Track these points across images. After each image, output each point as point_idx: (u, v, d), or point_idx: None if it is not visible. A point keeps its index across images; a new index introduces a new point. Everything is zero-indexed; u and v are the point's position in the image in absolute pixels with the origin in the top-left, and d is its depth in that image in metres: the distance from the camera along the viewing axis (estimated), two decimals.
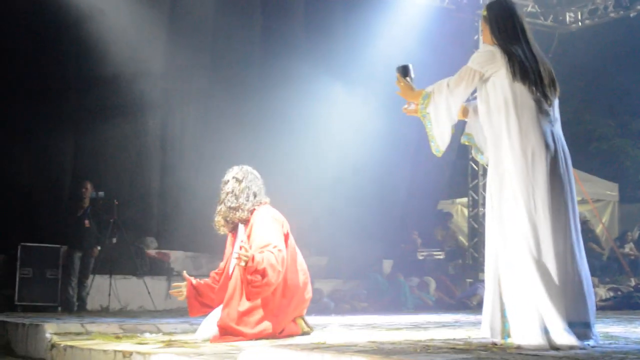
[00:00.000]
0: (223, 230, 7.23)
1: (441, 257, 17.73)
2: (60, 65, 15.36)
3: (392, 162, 17.78)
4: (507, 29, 5.52)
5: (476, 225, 19.74)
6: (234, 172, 7.17)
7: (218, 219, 7.17)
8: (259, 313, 6.73)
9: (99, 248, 14.14)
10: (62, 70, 15.43)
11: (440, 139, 5.65)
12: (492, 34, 5.57)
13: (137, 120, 16.23)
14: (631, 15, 19.75)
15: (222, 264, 7.35)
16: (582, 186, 18.87)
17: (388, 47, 17.43)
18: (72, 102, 15.65)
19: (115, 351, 5.95)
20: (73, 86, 15.63)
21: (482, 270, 16.69)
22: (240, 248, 6.53)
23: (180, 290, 7.30)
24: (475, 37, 20.66)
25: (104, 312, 13.40)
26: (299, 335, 6.99)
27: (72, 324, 8.21)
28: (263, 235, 6.82)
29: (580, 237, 5.26)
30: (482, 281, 15.26)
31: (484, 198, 19.96)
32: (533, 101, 5.29)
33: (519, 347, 4.98)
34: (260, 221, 6.95)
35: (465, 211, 21.04)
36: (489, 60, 5.43)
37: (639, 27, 21.63)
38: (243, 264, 6.45)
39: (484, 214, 19.78)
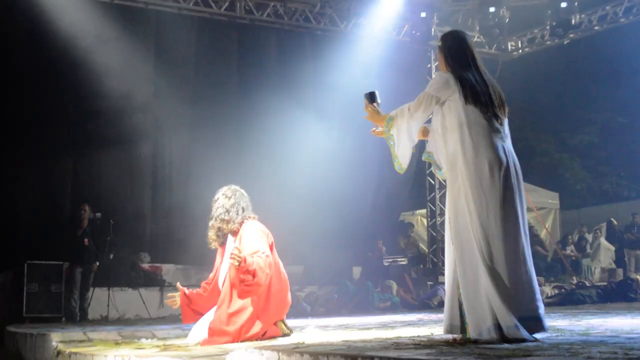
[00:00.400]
0: (214, 245, 7.28)
1: (404, 262, 17.75)
2: (61, 99, 15.37)
3: (358, 178, 17.80)
4: (459, 58, 5.53)
5: (434, 234, 19.86)
6: (223, 190, 7.29)
7: (211, 234, 7.21)
8: (246, 315, 6.75)
9: (97, 263, 14.14)
10: (63, 104, 15.45)
11: (402, 158, 5.69)
12: (446, 62, 5.58)
13: (129, 148, 16.23)
14: (565, 42, 19.89)
15: (211, 275, 7.36)
16: (527, 196, 18.95)
17: (351, 77, 17.53)
18: (71, 132, 15.70)
19: (115, 356, 5.91)
20: (72, 118, 15.66)
21: (442, 274, 16.74)
22: (234, 249, 6.64)
23: (175, 299, 7.31)
24: (428, 66, 20.81)
25: (104, 321, 13.32)
26: (280, 336, 6.99)
27: (75, 333, 8.17)
28: (252, 243, 6.91)
29: (529, 242, 5.27)
30: (442, 283, 15.30)
31: (441, 209, 20.29)
32: (485, 120, 5.30)
33: (475, 342, 4.98)
34: (248, 232, 7.04)
35: (425, 221, 21.14)
36: (444, 86, 5.43)
37: (572, 53, 21.83)
38: (237, 263, 6.57)
39: (441, 223, 20.06)
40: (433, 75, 20.68)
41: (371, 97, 5.86)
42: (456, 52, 5.57)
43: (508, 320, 4.94)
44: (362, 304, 15.13)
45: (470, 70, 5.47)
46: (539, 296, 5.18)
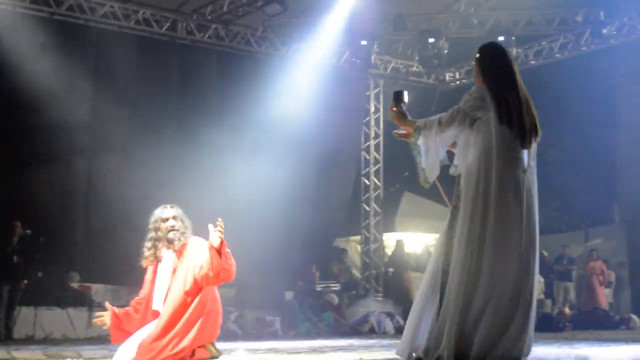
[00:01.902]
0: (148, 263, 7.16)
1: (337, 288, 17.72)
2: None
3: (295, 203, 17.81)
4: (498, 73, 5.28)
5: (368, 260, 19.89)
6: (173, 210, 7.15)
7: (150, 252, 7.10)
8: (177, 335, 6.66)
9: (25, 281, 13.85)
10: None
11: (429, 172, 5.38)
12: (483, 76, 5.33)
13: (63, 166, 16.08)
14: None
15: (142, 293, 7.23)
16: None
17: (290, 102, 17.59)
18: (3, 149, 15.35)
19: None
20: (5, 134, 15.33)
21: (375, 301, 16.74)
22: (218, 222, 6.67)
23: (103, 319, 7.15)
24: (367, 93, 20.93)
25: (30, 340, 13.04)
26: (208, 359, 6.89)
27: None
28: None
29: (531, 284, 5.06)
30: (373, 311, 15.33)
31: (374, 236, 20.31)
32: (511, 148, 5.09)
33: None
34: (198, 243, 7.00)
35: (359, 247, 21.13)
36: (479, 104, 5.18)
37: None
38: (221, 235, 6.65)
39: (374, 250, 20.08)
40: (372, 103, 20.83)
41: (398, 96, 5.55)
42: (495, 67, 5.33)
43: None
44: (295, 328, 15.06)
45: (507, 86, 5.22)
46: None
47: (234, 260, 6.82)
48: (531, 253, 5.03)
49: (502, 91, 5.16)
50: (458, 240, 5.13)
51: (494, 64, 5.32)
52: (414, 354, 5.14)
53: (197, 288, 6.86)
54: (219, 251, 6.73)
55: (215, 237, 6.71)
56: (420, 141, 5.31)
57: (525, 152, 5.12)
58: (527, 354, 4.94)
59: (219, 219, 6.76)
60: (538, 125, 5.20)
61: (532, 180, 5.15)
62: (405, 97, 5.53)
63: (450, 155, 5.48)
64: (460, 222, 5.15)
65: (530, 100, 5.23)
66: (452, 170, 5.49)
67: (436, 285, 5.17)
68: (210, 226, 6.83)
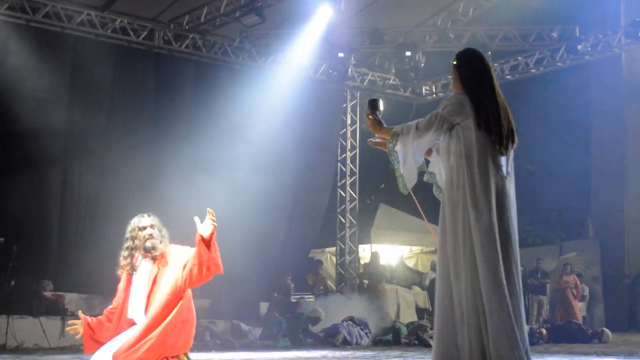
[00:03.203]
0: (124, 271, 7.12)
1: (312, 299, 17.70)
2: None
3: (270, 214, 17.79)
4: (476, 79, 5.25)
5: (343, 271, 19.93)
6: (150, 219, 7.13)
7: (127, 262, 7.07)
8: (149, 349, 6.63)
9: None
10: None
11: (407, 179, 5.31)
12: (462, 82, 5.27)
13: (38, 173, 16.00)
14: None
15: (115, 302, 7.19)
16: (435, 237, 19.11)
17: (267, 113, 17.63)
18: None
19: None
20: None
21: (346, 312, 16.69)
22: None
23: (76, 327, 7.10)
24: (344, 105, 21.00)
25: (2, 349, 12.90)
26: None
27: None
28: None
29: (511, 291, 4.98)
30: (345, 321, 15.29)
31: (350, 247, 20.35)
32: (492, 152, 5.06)
33: None
34: (177, 250, 6.99)
35: (334, 259, 21.17)
36: (458, 109, 5.14)
37: None
38: (214, 224, 6.62)
39: (350, 262, 20.11)
40: (348, 115, 20.89)
41: (373, 104, 5.49)
42: (473, 73, 5.29)
43: None
44: (270, 338, 15.04)
45: (486, 92, 5.20)
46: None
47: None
48: (511, 260, 5.01)
49: (480, 97, 5.15)
50: (442, 250, 5.15)
51: (472, 70, 5.30)
52: None
53: (177, 297, 6.83)
54: (208, 242, 6.71)
55: (205, 227, 6.69)
56: (398, 147, 5.26)
57: (503, 159, 5.12)
58: None
59: (208, 209, 6.75)
60: (515, 132, 5.21)
61: (511, 186, 5.15)
62: (381, 105, 5.50)
63: (426, 162, 5.46)
64: (445, 229, 5.14)
65: (507, 107, 5.25)
66: (426, 177, 5.50)
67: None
68: (196, 218, 6.81)
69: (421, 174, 5.48)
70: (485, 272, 4.87)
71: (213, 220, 6.69)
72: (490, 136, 5.06)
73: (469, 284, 4.92)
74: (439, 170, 5.39)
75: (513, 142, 5.19)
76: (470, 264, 4.94)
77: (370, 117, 5.45)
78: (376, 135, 5.45)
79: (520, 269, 5.10)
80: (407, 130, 5.23)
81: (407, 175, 5.29)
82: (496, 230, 4.94)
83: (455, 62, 5.38)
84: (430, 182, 5.53)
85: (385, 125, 5.40)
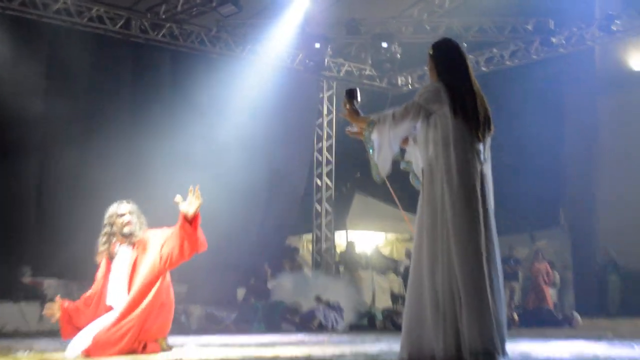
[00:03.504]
0: (103, 257, 7.20)
1: (289, 286, 17.80)
2: None
3: (247, 201, 17.81)
4: (451, 68, 5.29)
5: (319, 258, 20.05)
6: (129, 206, 7.23)
7: (104, 247, 7.15)
8: (129, 330, 6.72)
9: None
10: None
11: (382, 167, 5.32)
12: (437, 71, 5.33)
13: (16, 161, 15.93)
14: None
15: (94, 289, 7.26)
16: (409, 225, 19.24)
17: (243, 102, 17.69)
18: None
19: None
20: None
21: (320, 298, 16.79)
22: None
23: (53, 311, 7.16)
24: (321, 95, 21.09)
25: None
26: (159, 352, 6.95)
27: None
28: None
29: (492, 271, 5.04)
30: (317, 307, 15.36)
31: (326, 235, 20.47)
32: (468, 140, 5.07)
33: None
34: (155, 234, 7.19)
35: (310, 245, 21.29)
36: (434, 98, 5.15)
37: None
38: (195, 206, 6.83)
39: (326, 249, 20.23)
40: (325, 105, 20.98)
41: (350, 94, 5.51)
42: (449, 62, 5.34)
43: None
44: (248, 323, 15.13)
45: (461, 80, 5.23)
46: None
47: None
48: (490, 244, 5.04)
49: (456, 85, 5.18)
50: (420, 237, 5.14)
51: (448, 59, 5.35)
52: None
53: (155, 278, 6.93)
54: (192, 220, 6.80)
55: (189, 206, 6.78)
56: (374, 135, 5.27)
57: (481, 145, 5.15)
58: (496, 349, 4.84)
59: (191, 187, 6.84)
60: (491, 118, 5.25)
61: (488, 172, 5.18)
62: (358, 95, 5.51)
63: (402, 151, 5.48)
64: (424, 217, 5.14)
65: (483, 95, 5.27)
66: (402, 166, 5.51)
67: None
68: (179, 197, 6.89)
69: (395, 163, 5.47)
70: (463, 261, 4.88)
71: (198, 197, 6.77)
72: (467, 123, 5.08)
73: (445, 272, 4.91)
74: (416, 159, 5.39)
75: (489, 129, 5.22)
76: (447, 252, 4.94)
77: (347, 106, 5.47)
78: (353, 124, 5.48)
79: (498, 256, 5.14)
80: (384, 119, 5.23)
81: (381, 163, 5.30)
82: (476, 216, 4.96)
83: (431, 52, 5.45)
84: (406, 171, 5.53)
85: (362, 115, 5.42)
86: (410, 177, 5.54)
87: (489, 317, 4.81)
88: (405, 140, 5.42)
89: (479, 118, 5.13)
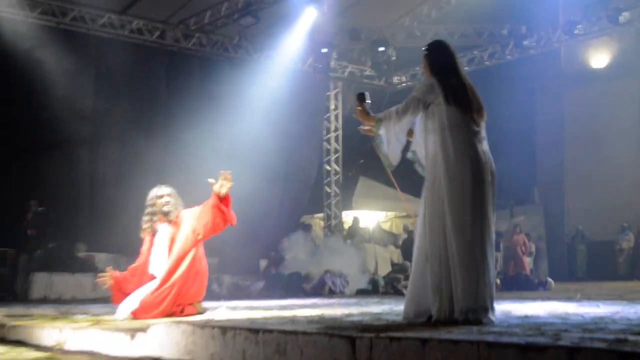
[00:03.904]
0: (146, 233, 7.23)
1: (304, 258, 17.81)
2: (9, 108, 15.06)
3: (267, 186, 17.84)
4: (442, 65, 5.17)
5: (330, 233, 20.04)
6: (168, 189, 7.25)
7: (148, 225, 7.18)
8: (168, 294, 6.75)
9: (39, 251, 13.86)
10: (12, 112, 15.12)
11: (392, 157, 5.21)
12: (431, 68, 5.20)
13: (70, 152, 16.11)
14: None
15: (139, 261, 7.29)
16: (406, 205, 19.23)
17: (260, 99, 17.71)
18: (18, 137, 15.31)
19: (52, 328, 5.81)
20: (20, 125, 15.29)
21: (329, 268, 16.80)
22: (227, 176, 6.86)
23: (105, 279, 7.20)
24: (328, 93, 21.08)
25: (44, 300, 13.02)
26: (195, 314, 6.97)
27: (18, 309, 8.01)
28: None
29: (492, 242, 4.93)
30: (326, 274, 15.35)
31: (335, 213, 20.50)
32: (464, 123, 4.93)
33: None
34: (189, 212, 7.12)
35: (322, 223, 21.32)
36: (429, 90, 5.03)
37: None
38: (227, 187, 6.81)
39: (335, 225, 20.25)
40: (332, 101, 20.96)
41: (361, 97, 5.37)
42: (440, 60, 5.22)
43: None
44: (271, 290, 15.17)
45: (452, 76, 5.11)
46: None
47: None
48: (488, 220, 4.91)
49: (446, 77, 5.09)
50: (423, 214, 5.04)
51: (439, 57, 5.25)
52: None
53: (190, 248, 6.95)
54: (224, 199, 6.84)
55: (221, 187, 6.81)
56: (382, 131, 5.18)
57: (476, 127, 5.03)
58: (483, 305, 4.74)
59: (222, 171, 6.87)
60: (483, 106, 5.13)
61: (487, 149, 5.05)
62: (367, 97, 5.39)
63: (407, 142, 5.36)
64: (428, 197, 5.03)
65: (474, 87, 5.17)
66: (409, 155, 5.41)
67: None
68: (211, 180, 6.91)
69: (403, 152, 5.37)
70: (460, 228, 4.78)
71: (229, 180, 6.81)
72: (460, 108, 4.97)
73: (443, 241, 4.83)
74: (420, 149, 5.28)
75: (482, 115, 5.10)
76: (443, 223, 4.84)
77: (358, 107, 5.37)
78: (365, 123, 5.35)
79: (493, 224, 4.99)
80: (389, 115, 5.14)
81: (391, 154, 5.21)
82: (469, 197, 4.83)
83: (425, 52, 5.34)
84: (412, 160, 5.41)
85: (372, 114, 5.29)
86: (416, 165, 5.43)
87: (482, 278, 4.74)
88: (410, 133, 5.32)
89: (471, 105, 5.03)
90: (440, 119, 4.97)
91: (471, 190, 4.84)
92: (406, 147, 5.37)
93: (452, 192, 4.85)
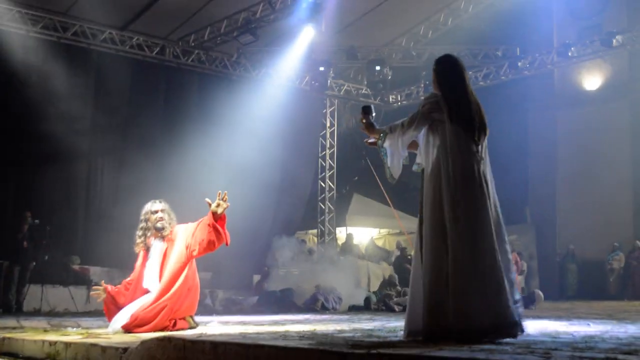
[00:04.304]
0: (139, 248, 7.19)
1: (296, 273, 17.73)
2: (7, 123, 15.01)
3: (261, 202, 17.78)
4: (450, 80, 5.12)
5: (323, 250, 19.94)
6: (161, 204, 7.21)
7: (141, 240, 7.13)
8: (162, 309, 6.70)
9: (34, 263, 13.77)
10: (10, 126, 15.06)
11: (394, 169, 5.20)
12: (438, 83, 5.16)
13: (67, 166, 16.03)
14: None
15: (132, 275, 7.25)
16: (400, 222, 19.20)
17: (257, 117, 17.70)
18: (15, 150, 15.22)
19: (43, 340, 5.74)
20: (18, 137, 15.20)
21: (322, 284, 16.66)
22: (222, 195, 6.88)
23: (99, 292, 7.16)
24: (324, 111, 21.06)
25: (37, 313, 12.92)
26: (187, 329, 6.92)
27: (10, 321, 7.93)
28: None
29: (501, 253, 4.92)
30: (318, 290, 15.26)
31: (328, 229, 20.43)
32: (465, 142, 4.91)
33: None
34: (184, 228, 7.10)
35: (315, 239, 21.24)
36: (434, 107, 5.02)
37: None
38: (223, 207, 6.82)
39: (329, 241, 20.16)
40: (328, 119, 20.96)
41: (366, 110, 5.36)
42: (448, 75, 5.17)
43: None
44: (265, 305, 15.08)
45: (458, 91, 5.08)
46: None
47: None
48: (500, 230, 4.92)
49: (452, 95, 5.06)
50: (425, 231, 4.96)
51: (448, 73, 5.20)
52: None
53: (184, 265, 6.91)
54: (220, 219, 6.82)
55: (218, 207, 6.81)
56: (386, 144, 5.17)
57: (476, 146, 4.99)
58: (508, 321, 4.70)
59: (219, 191, 6.87)
60: (486, 124, 5.10)
61: (487, 169, 5.03)
62: (373, 110, 5.39)
63: (411, 155, 5.36)
64: (427, 214, 4.97)
65: (480, 104, 5.14)
66: (414, 168, 5.34)
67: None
68: (208, 200, 6.90)
69: (406, 166, 5.36)
70: (474, 245, 4.74)
71: (225, 200, 6.81)
72: (462, 127, 4.94)
73: (450, 256, 4.75)
74: (423, 160, 5.22)
75: (485, 133, 5.06)
76: (455, 239, 4.76)
77: (364, 121, 5.34)
78: (370, 136, 5.34)
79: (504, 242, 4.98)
80: (394, 128, 5.13)
81: (394, 167, 5.20)
82: (483, 205, 4.82)
83: (434, 67, 5.29)
84: (418, 172, 5.31)
85: (376, 127, 5.29)
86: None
87: (503, 293, 4.69)
88: (415, 146, 5.30)
89: (474, 123, 4.99)
90: (442, 136, 4.95)
91: (480, 203, 4.81)
92: (411, 159, 5.34)
93: (452, 213, 4.80)
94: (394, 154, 5.17)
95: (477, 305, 4.63)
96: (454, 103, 5.00)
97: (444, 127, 4.96)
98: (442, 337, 4.61)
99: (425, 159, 5.08)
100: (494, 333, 4.59)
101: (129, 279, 7.30)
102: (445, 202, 4.85)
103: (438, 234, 4.84)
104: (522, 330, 4.78)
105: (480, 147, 5.01)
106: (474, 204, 4.82)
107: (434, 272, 4.79)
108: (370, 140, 5.34)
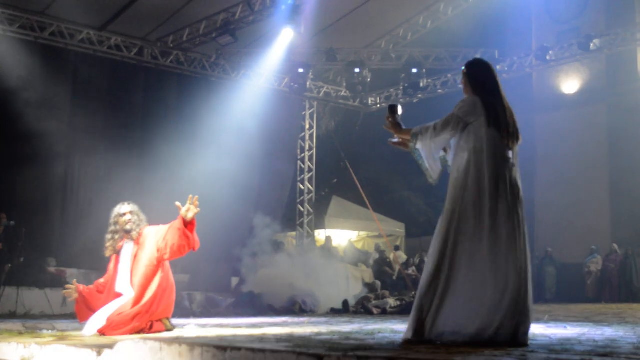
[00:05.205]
0: (109, 252, 7.14)
1: (274, 275, 17.68)
2: None
3: (240, 204, 17.75)
4: (485, 84, 5.05)
5: (301, 251, 19.94)
6: (130, 207, 7.16)
7: (110, 243, 7.09)
8: (138, 314, 6.67)
9: (9, 265, 13.58)
10: None
11: (432, 171, 5.13)
12: (473, 87, 5.06)
13: (43, 167, 15.85)
14: (414, 101, 20.40)
15: (105, 278, 7.22)
16: (379, 224, 19.25)
17: (236, 118, 17.67)
18: None
19: (17, 343, 5.68)
20: None
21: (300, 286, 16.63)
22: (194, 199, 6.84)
23: (71, 292, 7.11)
24: (303, 113, 21.06)
25: (12, 315, 12.77)
26: (163, 331, 6.88)
27: None
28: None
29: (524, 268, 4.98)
30: (296, 294, 15.23)
31: (308, 232, 20.41)
32: (499, 147, 4.86)
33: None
34: (153, 230, 7.09)
35: (294, 241, 21.21)
36: (472, 110, 4.93)
37: (420, 109, 22.31)
38: (193, 212, 6.79)
39: (308, 244, 20.14)
40: (307, 121, 20.95)
41: (392, 109, 5.21)
42: (482, 78, 5.09)
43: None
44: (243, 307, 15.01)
45: (494, 95, 5.02)
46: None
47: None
48: (524, 240, 4.88)
49: (489, 98, 5.00)
50: (448, 237, 4.88)
51: (481, 77, 5.12)
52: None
53: (156, 268, 6.88)
54: (189, 224, 6.78)
55: (188, 212, 6.77)
56: (419, 146, 5.07)
57: (510, 152, 4.94)
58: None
59: (190, 195, 6.83)
60: (519, 130, 5.05)
61: (518, 175, 4.96)
62: (399, 109, 5.24)
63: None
64: (455, 217, 4.86)
65: (512, 110, 5.09)
66: (449, 170, 5.18)
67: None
68: (178, 203, 6.86)
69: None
70: (515, 255, 4.77)
71: (196, 205, 6.77)
72: (499, 133, 4.88)
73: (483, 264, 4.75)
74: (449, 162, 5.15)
75: (518, 139, 5.01)
76: (491, 247, 4.72)
77: (390, 120, 5.22)
78: (396, 135, 5.23)
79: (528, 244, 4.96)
80: (426, 130, 5.03)
81: (431, 169, 5.13)
82: (511, 212, 4.76)
83: (465, 70, 5.22)
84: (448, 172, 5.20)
85: (404, 127, 5.18)
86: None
87: (517, 301, 4.88)
88: (447, 148, 5.20)
89: (508, 128, 4.94)
90: (477, 140, 4.88)
91: (509, 211, 4.75)
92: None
93: (471, 217, 4.76)
94: (428, 157, 5.09)
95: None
96: (491, 106, 4.96)
97: (479, 131, 4.89)
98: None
99: (454, 161, 4.98)
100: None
101: (102, 280, 7.27)
102: (481, 208, 4.77)
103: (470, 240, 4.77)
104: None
105: (513, 153, 4.97)
106: (510, 210, 4.77)
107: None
108: (394, 140, 5.25)
